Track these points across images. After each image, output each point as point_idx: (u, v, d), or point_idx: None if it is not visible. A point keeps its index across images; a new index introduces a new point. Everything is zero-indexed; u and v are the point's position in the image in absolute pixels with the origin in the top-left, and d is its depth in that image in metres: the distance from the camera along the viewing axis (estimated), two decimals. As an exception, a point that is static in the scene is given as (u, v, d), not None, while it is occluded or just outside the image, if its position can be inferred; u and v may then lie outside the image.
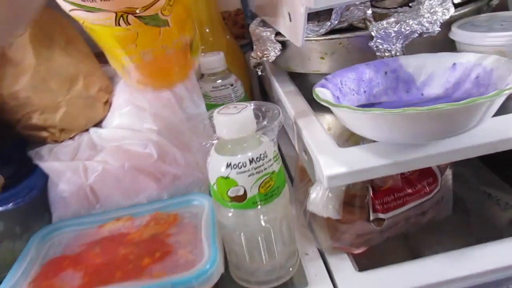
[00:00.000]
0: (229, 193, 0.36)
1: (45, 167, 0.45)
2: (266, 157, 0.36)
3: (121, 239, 0.42)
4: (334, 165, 0.32)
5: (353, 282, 0.39)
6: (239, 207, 0.36)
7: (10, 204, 0.43)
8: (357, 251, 0.41)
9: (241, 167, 0.35)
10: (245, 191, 0.35)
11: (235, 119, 0.35)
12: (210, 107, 0.55)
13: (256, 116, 0.48)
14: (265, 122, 0.45)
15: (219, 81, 0.57)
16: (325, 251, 0.42)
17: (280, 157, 0.38)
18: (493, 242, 0.40)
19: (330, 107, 0.32)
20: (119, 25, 0.39)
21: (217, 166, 0.36)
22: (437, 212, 0.42)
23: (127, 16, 0.39)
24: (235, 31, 0.72)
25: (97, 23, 0.39)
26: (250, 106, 0.36)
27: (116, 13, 0.38)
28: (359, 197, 0.38)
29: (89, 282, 0.37)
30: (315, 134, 0.37)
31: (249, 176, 0.35)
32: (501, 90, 0.28)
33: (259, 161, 0.35)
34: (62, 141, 0.49)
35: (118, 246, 0.41)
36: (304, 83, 0.52)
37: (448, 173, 0.41)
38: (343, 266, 0.41)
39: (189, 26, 0.45)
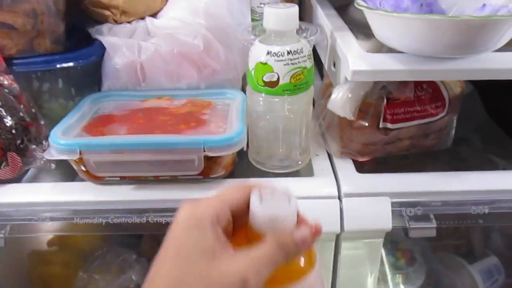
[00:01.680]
0: (264, 78, 0.41)
1: (104, 41, 0.52)
2: (302, 52, 0.41)
3: (161, 111, 0.49)
4: (360, 62, 0.38)
5: (353, 179, 0.45)
6: (270, 92, 0.42)
7: (71, 63, 0.49)
8: (362, 159, 0.47)
9: (279, 56, 0.40)
10: (278, 78, 0.41)
11: (283, 12, 0.40)
12: (254, 21, 0.60)
13: (296, 31, 0.53)
14: (303, 34, 0.50)
15: (267, -1, 0.61)
16: (334, 155, 0.48)
17: (312, 58, 0.43)
18: (477, 171, 0.46)
19: (367, 11, 0.37)
20: None
21: (258, 53, 0.41)
22: (438, 139, 0.48)
23: None
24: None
25: None
26: (296, 7, 0.41)
27: None
28: (374, 106, 0.43)
29: (132, 133, 0.44)
30: (348, 42, 0.43)
31: (284, 65, 0.41)
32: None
33: (295, 54, 0.41)
34: (121, 24, 0.54)
35: (159, 114, 0.48)
36: (343, 16, 0.56)
37: (456, 105, 0.46)
38: (346, 167, 0.47)
39: None
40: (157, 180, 0.44)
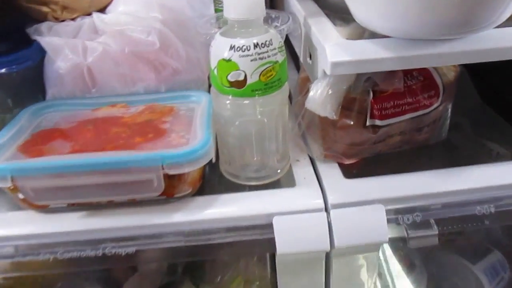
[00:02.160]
0: (229, 77, 0.35)
1: (43, 42, 0.44)
2: (271, 45, 0.35)
3: (114, 121, 0.42)
4: (340, 52, 0.31)
5: (340, 186, 0.39)
6: (237, 94, 0.36)
7: (4, 69, 0.42)
8: (348, 161, 0.42)
9: (244, 50, 0.34)
10: (245, 77, 0.35)
11: (245, -2, 0.34)
12: (217, 11, 0.53)
13: (265, 20, 0.47)
14: (274, 24, 0.44)
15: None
16: (317, 159, 0.43)
17: (285, 50, 0.37)
18: (480, 165, 0.41)
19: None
20: None
21: (220, 48, 0.35)
22: (432, 132, 0.42)
23: None
24: None
25: None
26: (262, -10, 0.35)
27: None
28: (359, 101, 0.37)
29: (78, 150, 0.37)
30: (325, 29, 0.36)
31: (251, 60, 0.34)
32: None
33: (264, 47, 0.34)
34: (63, 21, 0.47)
35: (111, 126, 0.41)
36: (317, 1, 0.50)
37: (451, 92, 0.40)
38: (332, 172, 0.41)
39: None
40: (112, 205, 0.38)
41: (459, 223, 0.38)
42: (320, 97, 0.35)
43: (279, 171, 0.41)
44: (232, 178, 0.41)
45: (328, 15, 0.42)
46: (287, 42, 0.49)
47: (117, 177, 0.34)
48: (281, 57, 0.36)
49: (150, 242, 0.37)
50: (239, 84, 0.35)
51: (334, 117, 0.36)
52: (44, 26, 0.46)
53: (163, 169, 0.34)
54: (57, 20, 0.47)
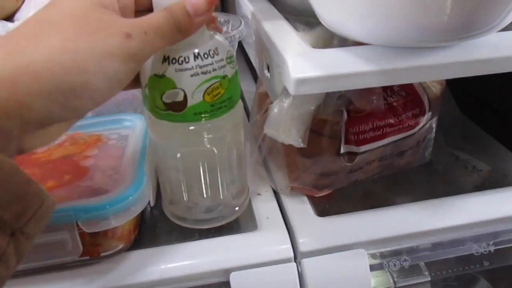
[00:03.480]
0: (164, 98, 0.27)
1: None
2: (217, 55, 0.27)
3: (21, 157, 0.33)
4: (305, 66, 0.24)
5: (312, 227, 0.32)
6: (176, 118, 0.28)
7: None
8: (319, 194, 0.34)
9: (181, 63, 0.26)
10: (185, 97, 0.27)
11: (180, -5, 0.26)
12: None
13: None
14: (223, 29, 0.36)
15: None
16: (281, 192, 0.35)
17: (236, 62, 0.29)
18: (472, 193, 0.35)
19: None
20: None
21: (150, 61, 0.27)
22: (415, 155, 0.36)
23: None
24: None
25: None
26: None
27: None
28: (330, 124, 0.30)
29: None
30: (284, 34, 0.29)
31: (191, 76, 0.26)
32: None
33: (207, 58, 0.27)
34: (-43, 32, 0.37)
35: (18, 164, 0.32)
36: (274, 3, 0.43)
37: (436, 108, 0.34)
38: (300, 209, 0.34)
39: None
40: (19, 272, 0.28)
41: (454, 266, 0.31)
42: (283, 121, 0.27)
43: (236, 208, 0.33)
44: (178, 221, 0.33)
45: (287, 19, 0.35)
46: (243, 50, 0.42)
47: (14, 240, 0.25)
48: (230, 70, 0.28)
49: (69, 319, 0.28)
50: (178, 106, 0.27)
51: (301, 144, 0.29)
52: None
53: (77, 226, 0.25)
54: None
